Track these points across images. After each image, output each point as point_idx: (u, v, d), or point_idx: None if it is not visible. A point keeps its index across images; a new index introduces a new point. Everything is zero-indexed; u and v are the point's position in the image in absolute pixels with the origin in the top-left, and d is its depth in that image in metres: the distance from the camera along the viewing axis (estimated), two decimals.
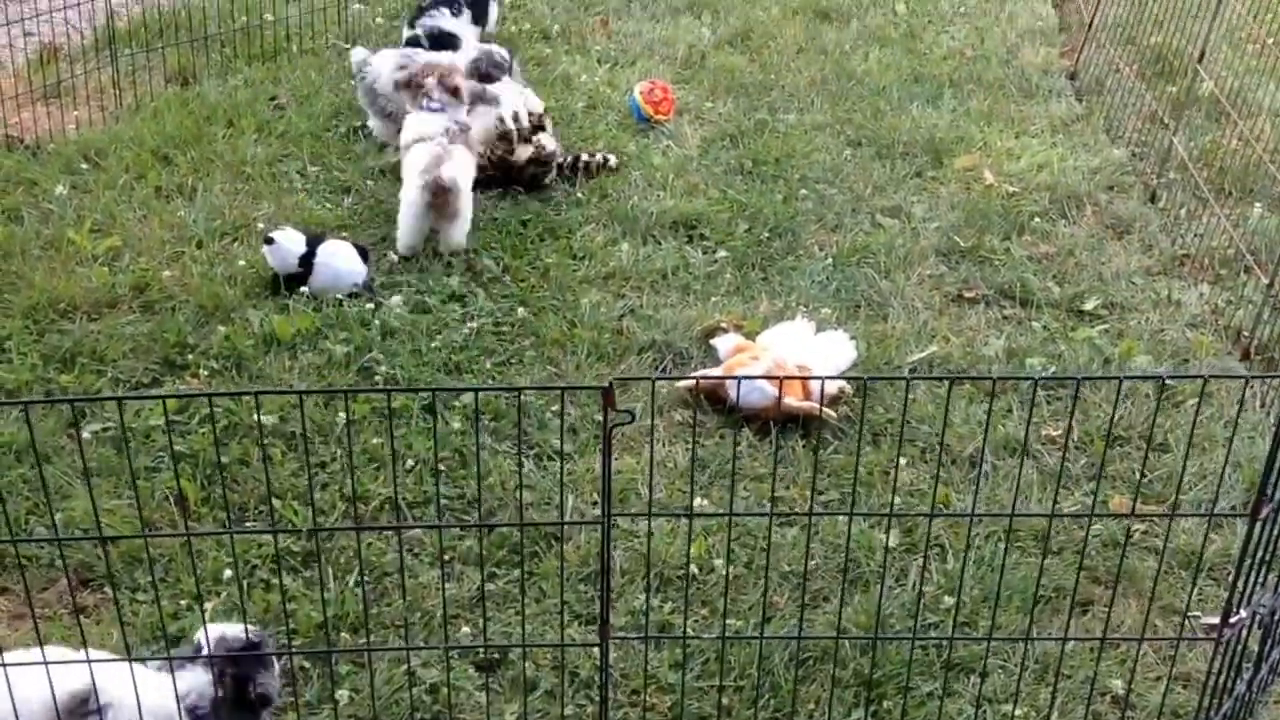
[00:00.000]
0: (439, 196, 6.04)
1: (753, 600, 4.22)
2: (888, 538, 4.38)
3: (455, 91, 6.59)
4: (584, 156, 6.95)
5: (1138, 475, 4.25)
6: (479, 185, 6.50)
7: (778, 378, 4.82)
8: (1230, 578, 3.53)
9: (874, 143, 7.34)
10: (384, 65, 7.00)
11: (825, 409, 4.95)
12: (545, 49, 8.63)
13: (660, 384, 5.28)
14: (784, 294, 5.94)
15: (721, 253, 6.24)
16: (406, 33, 8.09)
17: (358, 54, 7.19)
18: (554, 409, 5.09)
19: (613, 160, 7.02)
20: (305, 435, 4.68)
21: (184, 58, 7.92)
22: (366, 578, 4.24)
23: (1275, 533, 3.36)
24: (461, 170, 6.18)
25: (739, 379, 4.83)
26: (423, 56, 7.01)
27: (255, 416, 4.79)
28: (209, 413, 4.57)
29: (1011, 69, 8.40)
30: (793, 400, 4.97)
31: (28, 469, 4.59)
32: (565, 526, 4.46)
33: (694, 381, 5.12)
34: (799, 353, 5.24)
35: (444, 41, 7.80)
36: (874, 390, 5.28)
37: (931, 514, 3.75)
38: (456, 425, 4.98)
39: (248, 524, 4.47)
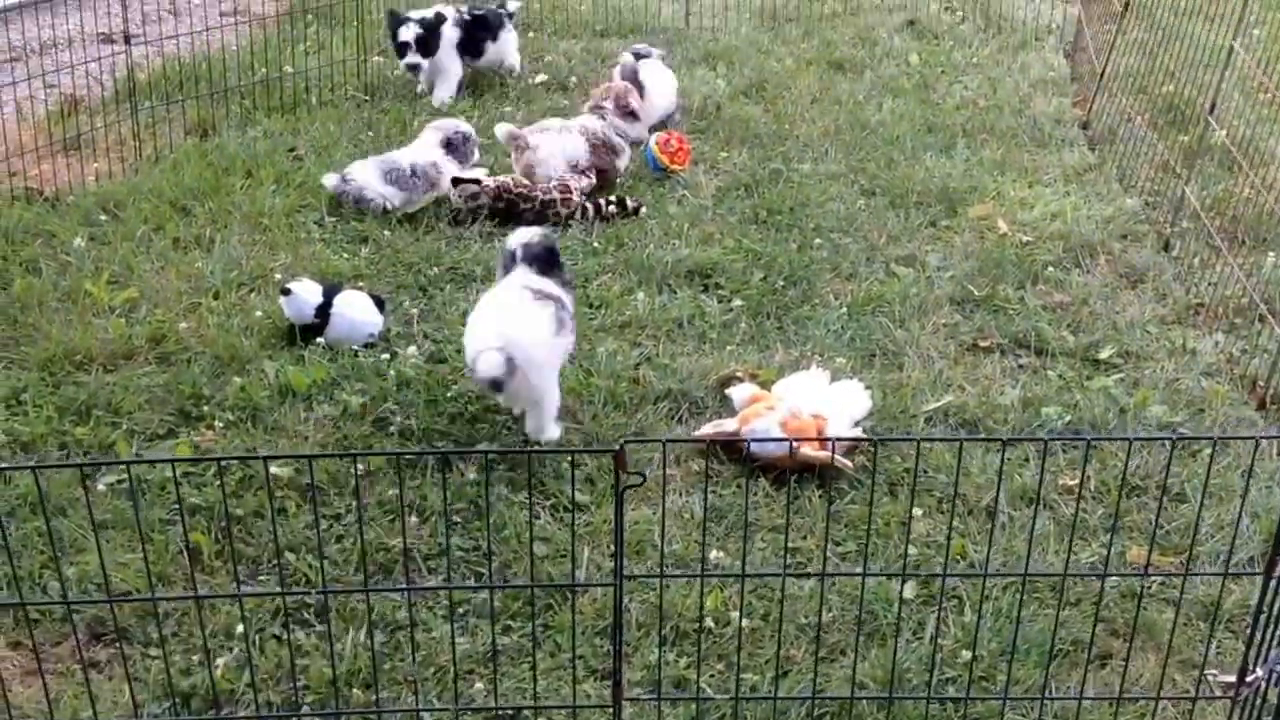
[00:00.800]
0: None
1: (769, 654, 4.14)
2: (902, 590, 4.31)
3: (632, 113, 7.16)
4: (612, 204, 6.96)
5: (1153, 527, 4.15)
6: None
7: (789, 440, 4.74)
8: (1248, 631, 3.45)
9: (888, 192, 7.32)
10: (369, 174, 6.98)
11: (840, 459, 4.89)
12: (563, 99, 8.64)
13: (684, 425, 5.25)
14: (799, 343, 5.89)
15: (737, 301, 6.20)
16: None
17: (329, 180, 6.98)
18: (570, 459, 5.04)
19: (643, 208, 7.06)
20: (315, 496, 4.64)
21: (204, 110, 7.94)
22: (378, 632, 4.17)
23: None
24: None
25: (747, 441, 4.80)
26: (404, 160, 7.02)
27: (274, 470, 4.75)
28: (224, 467, 4.52)
29: (1024, 119, 8.39)
30: (809, 450, 4.90)
31: (42, 522, 4.54)
32: (584, 584, 4.39)
33: (715, 433, 5.04)
34: (814, 401, 5.17)
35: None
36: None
37: (945, 573, 3.66)
38: (471, 476, 4.92)
39: (260, 577, 4.41)
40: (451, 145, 7.17)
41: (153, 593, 3.83)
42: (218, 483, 4.76)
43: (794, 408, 5.10)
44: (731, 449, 5.08)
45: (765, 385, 5.43)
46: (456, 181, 6.90)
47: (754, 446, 4.88)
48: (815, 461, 4.92)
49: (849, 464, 4.96)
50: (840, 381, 5.45)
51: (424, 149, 7.11)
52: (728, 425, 5.10)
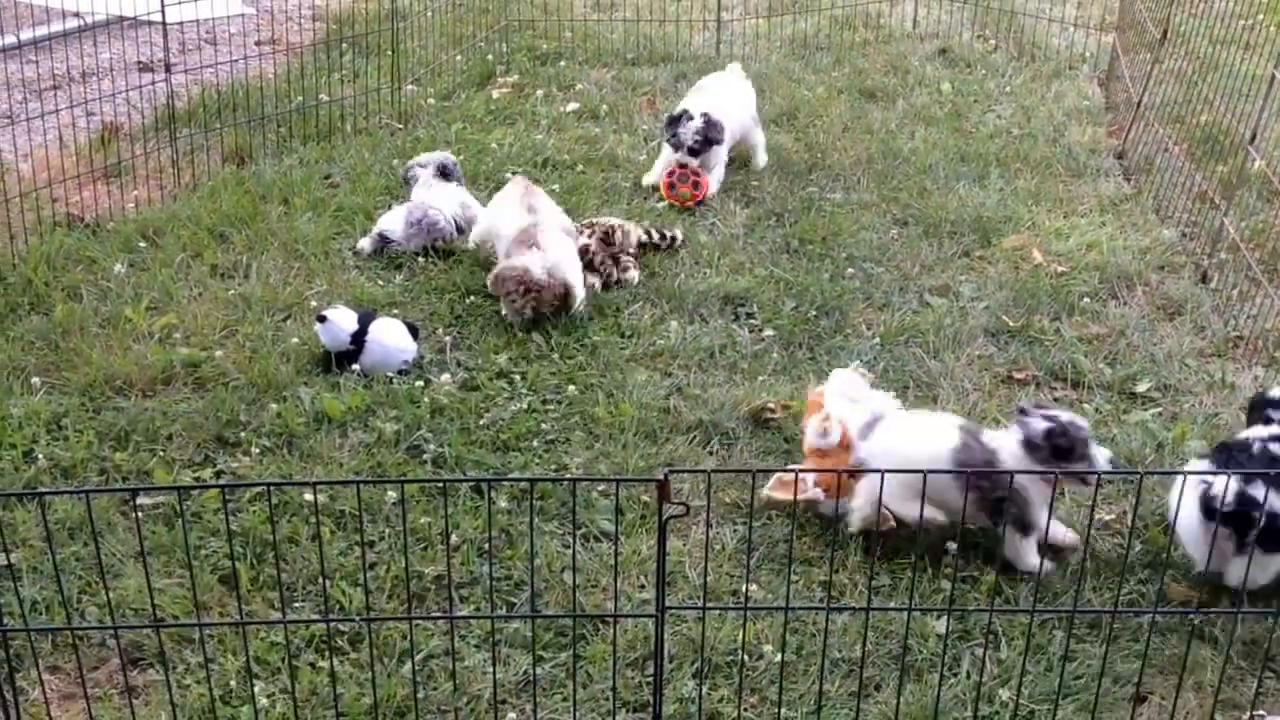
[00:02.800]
0: None
1: (802, 689, 4.13)
2: (948, 627, 4.28)
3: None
4: (653, 234, 6.96)
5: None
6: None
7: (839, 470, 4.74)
8: None
9: (921, 221, 7.31)
10: (395, 222, 6.96)
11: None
12: (594, 129, 8.68)
13: (715, 456, 5.24)
14: (831, 373, 5.86)
15: (768, 331, 6.20)
16: None
17: (365, 244, 6.90)
18: (600, 488, 5.04)
19: (680, 235, 7.09)
20: (361, 523, 4.65)
21: (241, 137, 8.01)
22: (410, 661, 4.18)
23: None
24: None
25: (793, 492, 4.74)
26: (437, 210, 6.96)
27: (305, 497, 4.77)
28: (260, 493, 4.54)
29: (1059, 148, 8.37)
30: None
31: (81, 546, 4.58)
32: (625, 614, 4.38)
33: (790, 493, 4.78)
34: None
35: None
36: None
37: (991, 608, 3.63)
38: (503, 504, 4.93)
39: (295, 604, 4.42)
40: (446, 172, 7.18)
41: (198, 618, 3.84)
42: (255, 508, 4.79)
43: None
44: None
45: (795, 418, 5.40)
46: None
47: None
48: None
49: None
50: (876, 392, 5.39)
51: (435, 191, 7.08)
52: (811, 491, 4.90)
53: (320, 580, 4.41)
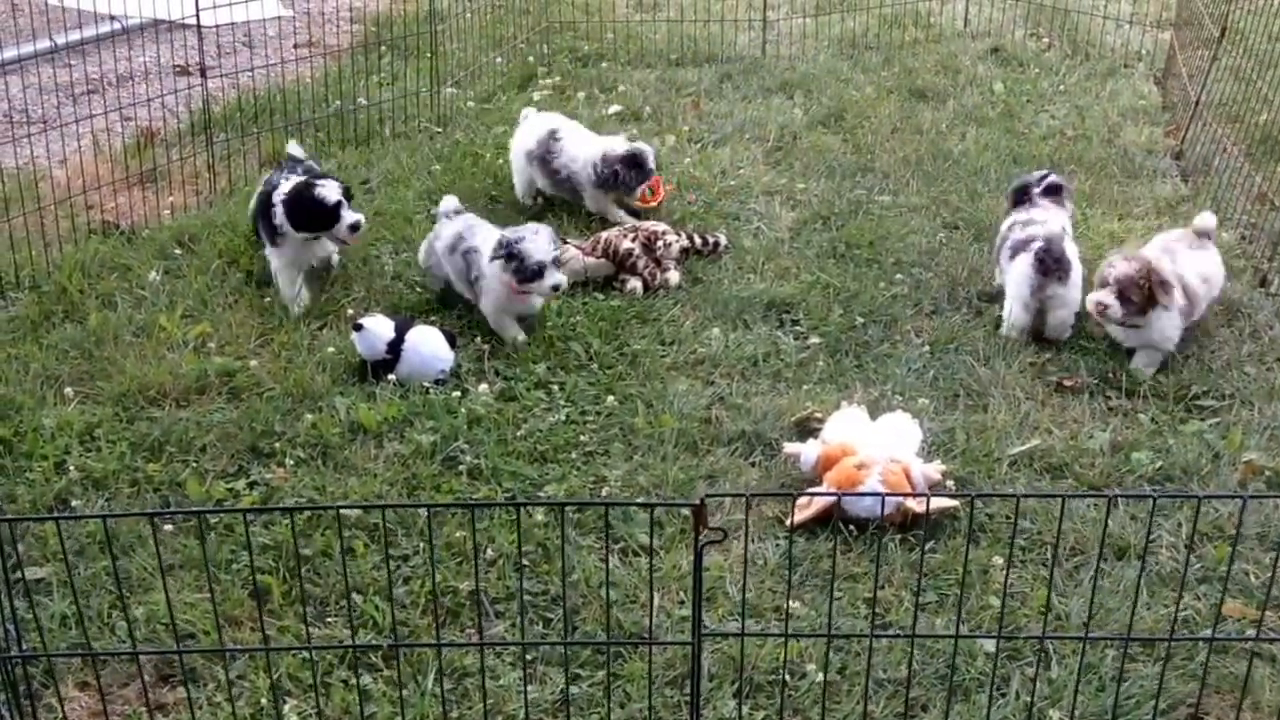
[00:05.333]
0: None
1: (847, 709, 4.07)
2: (997, 651, 4.21)
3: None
4: (695, 240, 6.92)
5: (1269, 587, 4.03)
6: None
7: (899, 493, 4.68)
8: None
9: (971, 225, 7.23)
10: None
11: (946, 503, 4.88)
12: (636, 129, 8.65)
13: (754, 471, 5.20)
14: (879, 382, 5.82)
15: (814, 339, 6.14)
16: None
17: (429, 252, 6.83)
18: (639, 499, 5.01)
19: (724, 240, 7.03)
20: (385, 540, 4.63)
21: (278, 142, 8.02)
22: (445, 679, 4.16)
23: None
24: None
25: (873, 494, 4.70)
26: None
27: (339, 519, 4.77)
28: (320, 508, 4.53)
29: (1114, 149, 8.27)
30: (913, 504, 4.81)
31: (111, 561, 4.58)
32: (652, 636, 4.34)
33: (815, 510, 4.86)
34: (888, 445, 5.09)
35: None
36: (970, 484, 5.14)
37: (1044, 635, 3.56)
38: (540, 518, 4.90)
39: (328, 619, 4.41)
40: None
41: (220, 639, 3.83)
42: (286, 522, 4.78)
43: (871, 457, 5.01)
44: (827, 515, 4.89)
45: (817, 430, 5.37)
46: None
47: (863, 507, 4.80)
48: (920, 512, 4.84)
49: (955, 504, 4.89)
50: (885, 416, 5.37)
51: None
52: (822, 498, 4.87)
53: (349, 598, 4.40)
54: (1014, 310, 6.14)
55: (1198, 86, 8.22)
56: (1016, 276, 6.12)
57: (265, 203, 6.26)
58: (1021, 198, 6.63)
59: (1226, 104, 7.95)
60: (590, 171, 7.27)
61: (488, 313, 6.16)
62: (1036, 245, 6.08)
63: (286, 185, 6.25)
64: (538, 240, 6.00)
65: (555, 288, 6.05)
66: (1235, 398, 5.68)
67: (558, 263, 6.08)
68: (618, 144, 7.35)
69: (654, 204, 7.43)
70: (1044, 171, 6.81)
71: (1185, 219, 7.27)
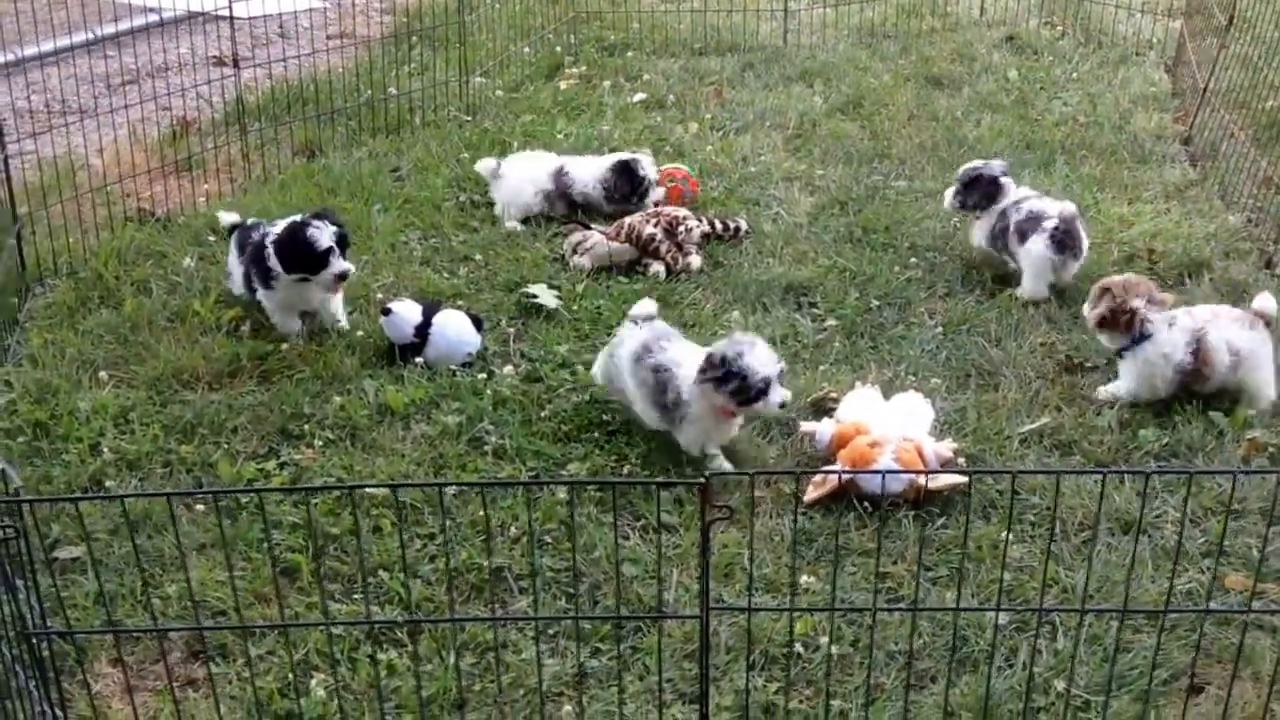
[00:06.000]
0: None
1: (858, 680, 4.03)
2: (996, 620, 4.16)
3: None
4: (716, 225, 6.87)
5: (1261, 556, 3.97)
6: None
7: (908, 471, 4.63)
8: None
9: None
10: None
11: (957, 479, 4.82)
12: (659, 118, 8.60)
13: (772, 448, 5.16)
14: (893, 363, 5.76)
15: (831, 320, 6.09)
16: None
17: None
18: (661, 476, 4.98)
19: (744, 225, 6.97)
20: (402, 525, 4.61)
21: (310, 131, 8.02)
22: (469, 653, 4.14)
23: None
24: None
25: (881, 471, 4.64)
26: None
27: (366, 490, 4.75)
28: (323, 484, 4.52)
29: (1124, 135, 8.17)
30: (930, 483, 4.78)
31: (145, 539, 4.59)
32: (664, 609, 4.31)
33: (829, 488, 4.81)
34: (901, 424, 5.05)
35: None
36: (982, 461, 5.08)
37: (1041, 608, 3.52)
38: (561, 495, 4.87)
39: (355, 595, 4.39)
40: None
41: (240, 617, 3.83)
42: (315, 500, 4.77)
43: (885, 434, 4.97)
44: (842, 493, 4.83)
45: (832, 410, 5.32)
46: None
47: (877, 484, 4.75)
48: (933, 489, 4.80)
49: (963, 480, 4.85)
50: (898, 395, 5.33)
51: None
52: (845, 474, 4.80)
53: (363, 575, 4.39)
54: (1033, 286, 6.23)
55: (1206, 74, 8.11)
56: (1035, 256, 6.18)
57: (258, 250, 5.92)
58: (989, 188, 6.51)
59: (1234, 91, 7.84)
60: (600, 190, 7.25)
61: (689, 444, 5.14)
62: (1050, 224, 6.16)
63: (280, 225, 5.95)
64: (757, 353, 4.95)
65: (782, 405, 5.03)
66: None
67: (782, 377, 5.05)
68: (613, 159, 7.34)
69: (692, 200, 7.35)
70: (1000, 163, 6.69)
71: (1193, 202, 7.20)
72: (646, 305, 5.41)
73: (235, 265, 6.10)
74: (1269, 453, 5.10)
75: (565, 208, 7.22)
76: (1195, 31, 9.02)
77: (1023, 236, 6.27)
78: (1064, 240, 6.17)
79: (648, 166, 7.18)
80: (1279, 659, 3.73)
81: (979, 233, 6.59)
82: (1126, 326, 5.40)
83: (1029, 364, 5.72)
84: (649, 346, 5.17)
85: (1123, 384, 5.46)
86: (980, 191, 6.54)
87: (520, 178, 7.18)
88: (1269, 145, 7.36)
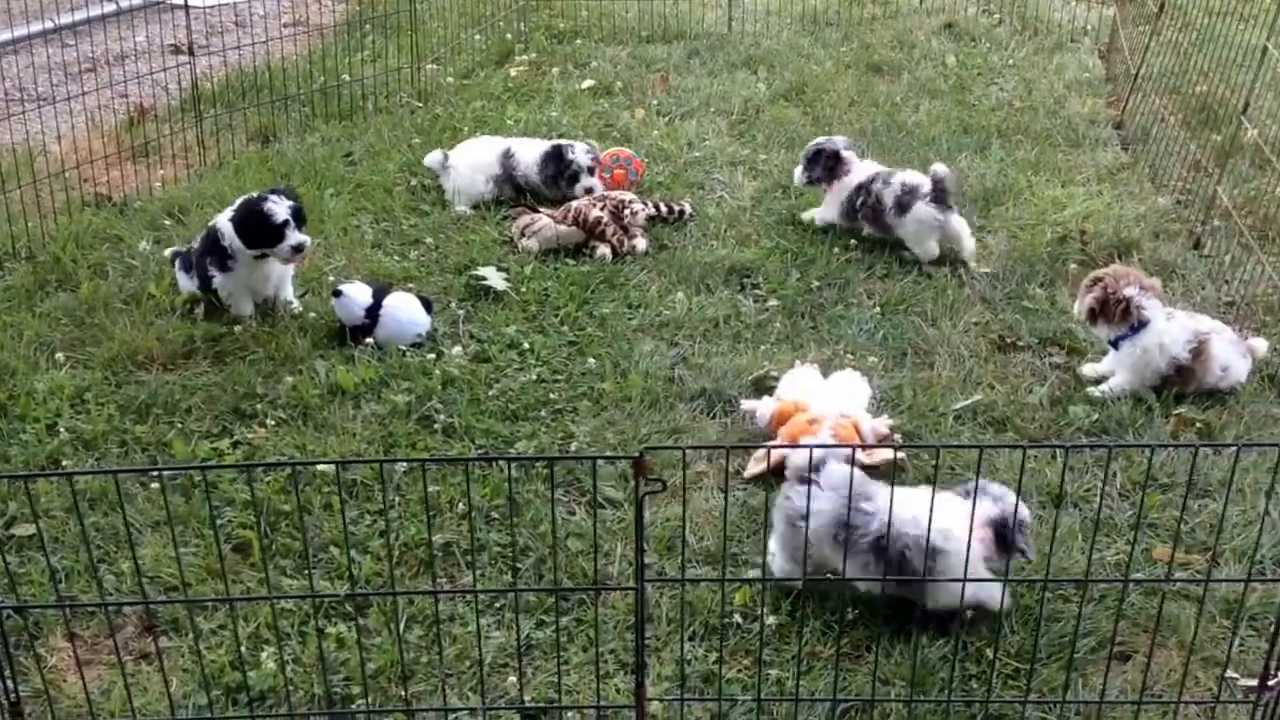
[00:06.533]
0: None
1: (795, 650, 4.06)
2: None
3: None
4: (661, 208, 6.86)
5: (1177, 526, 4.02)
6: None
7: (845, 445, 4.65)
8: (1271, 631, 3.33)
9: None
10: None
11: (899, 457, 4.88)
12: (607, 104, 8.58)
13: (714, 426, 5.17)
14: (832, 342, 5.79)
15: (773, 301, 6.11)
16: None
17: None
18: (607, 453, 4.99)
19: (689, 208, 6.97)
20: (344, 503, 4.60)
21: (265, 117, 7.95)
22: (418, 626, 4.14)
23: None
24: None
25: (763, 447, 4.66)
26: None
27: (317, 468, 4.73)
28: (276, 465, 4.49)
29: (1059, 119, 8.23)
30: (863, 456, 4.80)
31: (100, 517, 4.55)
32: (604, 581, 4.33)
33: (770, 464, 4.81)
34: (839, 402, 5.07)
35: None
36: (917, 437, 5.12)
37: (965, 578, 3.55)
38: (512, 472, 4.86)
39: (307, 571, 4.37)
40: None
41: (185, 592, 3.81)
42: (269, 479, 4.75)
43: (822, 412, 4.99)
44: (782, 468, 4.76)
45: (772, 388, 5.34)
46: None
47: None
48: (870, 464, 4.83)
49: (897, 455, 4.88)
50: (836, 374, 5.34)
51: None
52: (781, 449, 4.77)
53: (324, 551, 4.40)
54: (924, 249, 6.46)
55: (1138, 60, 8.17)
56: (920, 219, 6.44)
57: (210, 236, 5.87)
58: (831, 162, 6.81)
59: (1165, 76, 7.91)
60: (537, 173, 7.22)
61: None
62: (927, 189, 6.44)
63: (236, 204, 5.90)
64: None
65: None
66: None
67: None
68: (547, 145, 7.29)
69: (636, 183, 7.35)
70: (842, 139, 7.03)
71: (1124, 185, 7.26)
72: (800, 456, 4.20)
73: (185, 279, 6.02)
74: (1196, 428, 5.16)
75: (512, 190, 7.20)
76: (1128, 18, 9.09)
77: (904, 208, 6.46)
78: (941, 196, 6.41)
79: (580, 154, 7.13)
80: (1197, 626, 3.79)
81: (829, 206, 6.80)
82: (1122, 315, 5.36)
83: (963, 343, 5.76)
84: (862, 511, 4.00)
85: (1118, 379, 5.41)
86: (823, 165, 6.80)
87: (470, 165, 7.14)
88: (1198, 129, 7.44)
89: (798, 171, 6.92)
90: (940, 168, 6.49)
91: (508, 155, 7.19)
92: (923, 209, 6.42)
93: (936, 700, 3.82)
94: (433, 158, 7.17)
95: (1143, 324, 5.34)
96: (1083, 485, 4.81)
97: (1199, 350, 5.31)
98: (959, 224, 6.48)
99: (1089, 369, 5.51)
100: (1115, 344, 5.41)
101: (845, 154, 6.81)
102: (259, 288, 5.92)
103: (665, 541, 4.53)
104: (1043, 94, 8.67)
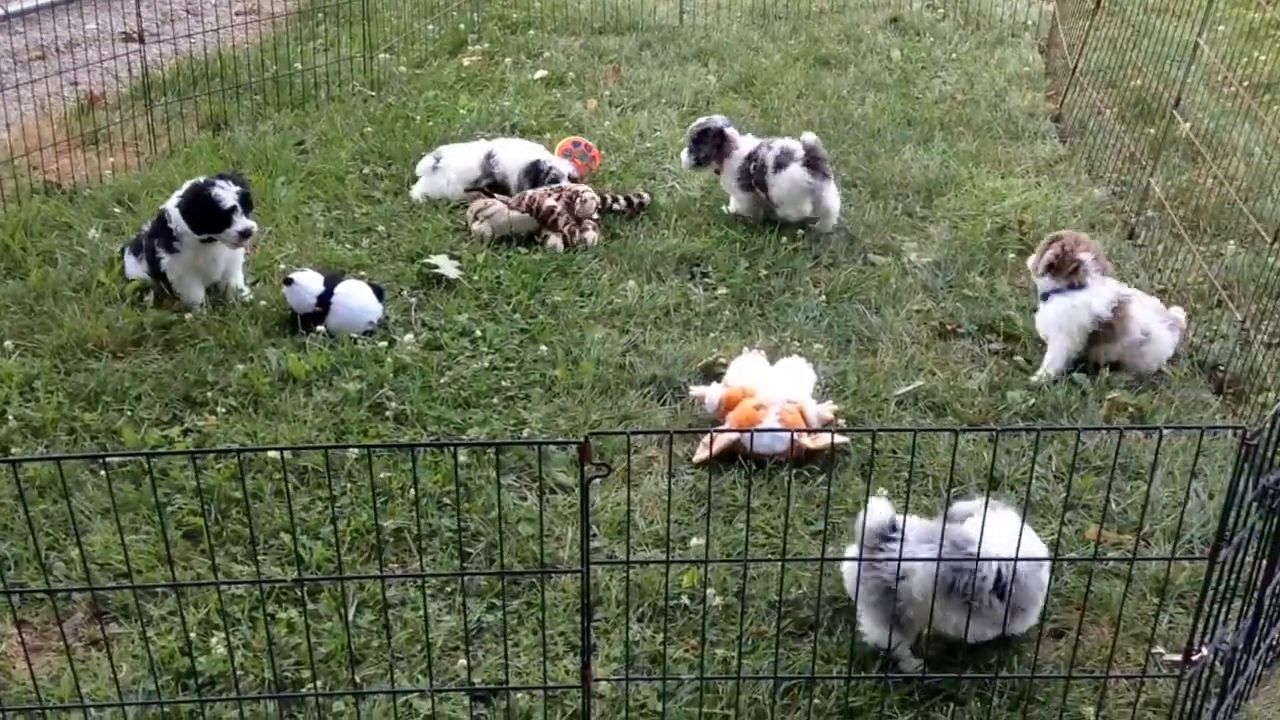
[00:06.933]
0: None
1: (740, 629, 4.08)
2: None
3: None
4: (622, 201, 6.85)
5: (1108, 507, 4.08)
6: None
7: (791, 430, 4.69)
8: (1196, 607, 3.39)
9: (868, 183, 7.23)
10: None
11: (839, 440, 4.92)
12: (559, 94, 8.56)
13: (664, 412, 5.18)
14: (779, 329, 5.81)
15: (722, 290, 6.13)
16: None
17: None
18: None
19: (646, 197, 6.98)
20: (288, 491, 4.57)
21: (216, 105, 7.88)
22: (369, 611, 4.13)
23: (1235, 572, 3.22)
24: None
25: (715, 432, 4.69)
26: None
27: (270, 455, 4.71)
28: (223, 452, 4.47)
29: (999, 112, 8.29)
30: (808, 441, 4.86)
31: (50, 504, 4.50)
32: (551, 566, 4.34)
33: (718, 449, 4.85)
34: (785, 388, 5.11)
35: None
36: (861, 422, 5.15)
37: (900, 558, 3.59)
38: (463, 459, 4.86)
39: (260, 557, 4.35)
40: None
41: (132, 579, 3.78)
42: (219, 466, 4.72)
43: (769, 398, 5.03)
44: (731, 453, 4.90)
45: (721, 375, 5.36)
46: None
47: (762, 445, 4.83)
48: (815, 449, 4.87)
49: (843, 440, 4.94)
50: (783, 360, 5.38)
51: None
52: (728, 434, 4.87)
53: (275, 538, 4.38)
54: (794, 209, 6.64)
55: (1076, 55, 8.25)
56: (792, 180, 6.59)
57: (159, 219, 5.83)
58: (717, 139, 6.84)
59: (1102, 71, 7.99)
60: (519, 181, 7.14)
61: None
62: (800, 153, 6.60)
63: (184, 188, 5.85)
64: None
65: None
66: None
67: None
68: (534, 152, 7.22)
69: (592, 170, 7.34)
70: (722, 117, 7.09)
71: (1062, 177, 7.33)
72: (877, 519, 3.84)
73: (134, 263, 5.96)
74: (1129, 413, 5.22)
75: (489, 188, 7.14)
76: (1067, 14, 9.16)
77: (780, 168, 6.61)
78: (814, 163, 6.57)
79: (558, 165, 7.10)
80: (1123, 604, 3.85)
81: (730, 189, 6.89)
82: (1069, 274, 5.50)
83: (905, 330, 5.80)
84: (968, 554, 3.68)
85: (1048, 357, 5.51)
86: (709, 144, 6.86)
87: (454, 170, 7.04)
88: (1133, 123, 7.53)
89: (684, 154, 6.97)
90: (810, 136, 6.70)
91: (489, 157, 7.12)
92: (797, 170, 6.58)
93: (875, 677, 3.86)
94: (424, 164, 7.08)
95: (1081, 286, 5.47)
96: (1019, 469, 4.86)
97: (1119, 309, 5.46)
98: (832, 194, 6.68)
99: (1034, 378, 5.52)
100: (1047, 297, 5.55)
101: (729, 131, 6.89)
102: (208, 271, 5.86)
103: (615, 526, 4.54)
104: (984, 87, 8.73)
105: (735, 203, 6.89)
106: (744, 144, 6.85)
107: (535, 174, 7.02)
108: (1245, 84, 7.67)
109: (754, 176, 6.75)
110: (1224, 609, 3.27)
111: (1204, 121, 7.43)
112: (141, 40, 7.47)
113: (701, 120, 7.00)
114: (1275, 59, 8.31)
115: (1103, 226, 6.75)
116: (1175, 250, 6.28)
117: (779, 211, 6.68)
